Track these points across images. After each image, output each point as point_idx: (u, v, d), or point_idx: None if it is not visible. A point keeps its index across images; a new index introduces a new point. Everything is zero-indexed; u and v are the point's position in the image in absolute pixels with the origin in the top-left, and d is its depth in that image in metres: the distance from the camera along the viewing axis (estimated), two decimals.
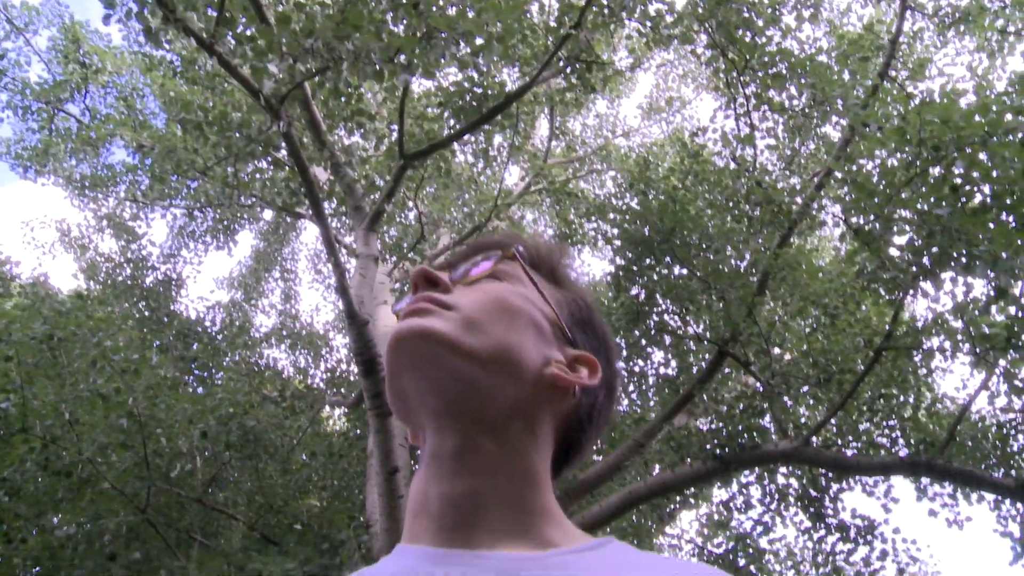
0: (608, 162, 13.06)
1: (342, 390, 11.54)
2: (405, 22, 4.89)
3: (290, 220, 13.24)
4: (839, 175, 7.76)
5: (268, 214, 13.36)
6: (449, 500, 0.95)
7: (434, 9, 4.72)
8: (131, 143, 10.74)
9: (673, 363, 10.08)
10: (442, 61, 5.10)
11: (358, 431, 11.12)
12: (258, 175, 9.39)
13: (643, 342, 9.98)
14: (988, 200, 5.45)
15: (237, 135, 7.06)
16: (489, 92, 8.12)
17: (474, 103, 8.12)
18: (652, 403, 10.59)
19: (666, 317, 9.65)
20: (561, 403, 1.04)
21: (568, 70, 9.01)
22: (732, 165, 9.35)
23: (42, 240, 13.53)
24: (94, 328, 7.32)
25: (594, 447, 1.17)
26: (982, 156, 5.36)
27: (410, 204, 10.54)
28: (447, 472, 0.96)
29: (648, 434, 8.86)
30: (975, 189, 5.51)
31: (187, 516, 8.19)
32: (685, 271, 9.12)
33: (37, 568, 7.14)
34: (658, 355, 10.21)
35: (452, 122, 8.58)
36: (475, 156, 9.92)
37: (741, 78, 9.03)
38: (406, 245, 11.85)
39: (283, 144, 8.00)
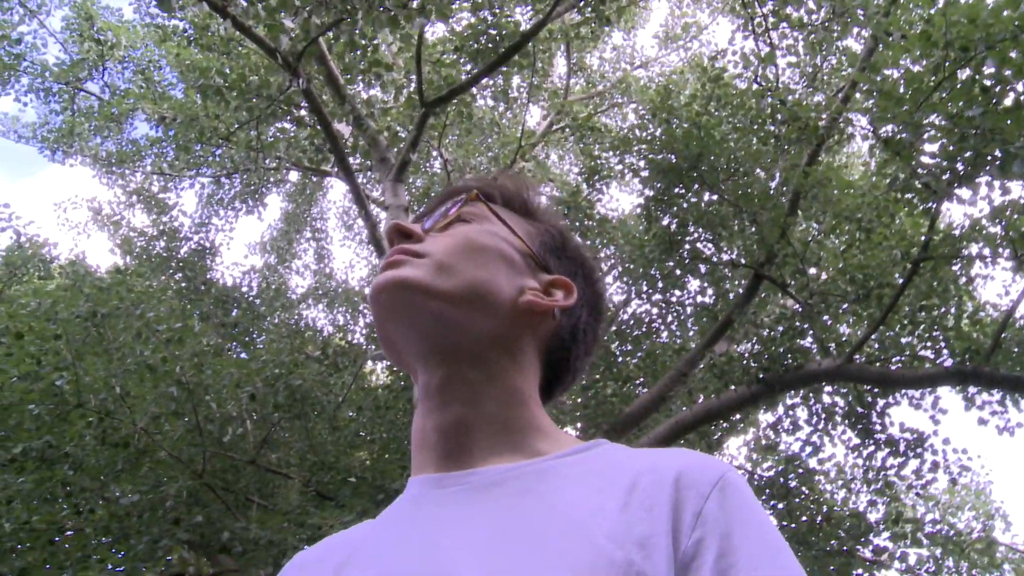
0: (628, 95, 12.92)
1: None
2: None
3: (316, 179, 13.25)
4: (865, 86, 7.63)
5: (294, 175, 13.39)
6: (442, 429, 1.03)
7: None
8: (153, 116, 10.76)
9: (710, 291, 10.04)
10: (454, 5, 5.07)
11: (402, 383, 11.23)
12: (281, 136, 9.39)
13: (678, 272, 9.95)
14: (1022, 98, 5.35)
15: (256, 98, 7.05)
16: (503, 32, 8.06)
17: (489, 44, 8.07)
18: (692, 332, 10.59)
19: (699, 245, 9.61)
20: (540, 327, 1.10)
21: (582, 3, 8.91)
22: (755, 86, 9.22)
23: (76, 220, 13.64)
24: (136, 301, 7.42)
25: (588, 367, 1.21)
26: (1013, 54, 5.25)
27: (434, 153, 10.51)
28: (437, 404, 1.03)
29: (690, 363, 8.88)
30: (1007, 88, 5.41)
31: (243, 478, 8.33)
32: (715, 197, 9.07)
33: (107, 537, 7.32)
34: (694, 284, 10.17)
35: (469, 66, 8.53)
36: (495, 99, 9.85)
37: None
38: (433, 194, 11.84)
39: (304, 102, 8.00)
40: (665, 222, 9.44)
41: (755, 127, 9.01)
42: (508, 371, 1.06)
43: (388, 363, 11.24)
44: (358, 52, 7.24)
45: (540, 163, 11.58)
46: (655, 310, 10.57)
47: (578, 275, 1.17)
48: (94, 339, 7.77)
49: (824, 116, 8.43)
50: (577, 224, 9.81)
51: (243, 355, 10.31)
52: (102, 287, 8.15)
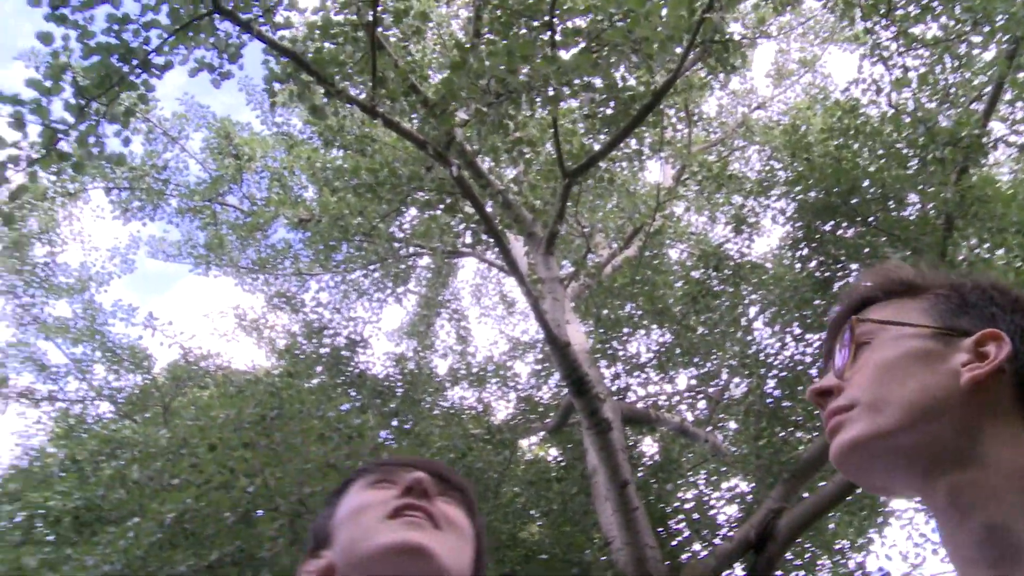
0: (750, 138, 12.82)
1: (539, 413, 11.63)
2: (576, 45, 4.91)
3: (453, 261, 13.45)
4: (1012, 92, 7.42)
5: (424, 260, 13.62)
6: (976, 543, 0.95)
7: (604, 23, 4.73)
8: (292, 220, 11.12)
9: None
10: (615, 73, 5.11)
11: (560, 455, 11.21)
12: (433, 224, 9.59)
13: (831, 305, 9.73)
14: None
15: (410, 190, 7.21)
16: (634, 94, 8.09)
17: (618, 108, 8.11)
18: None
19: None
20: (996, 388, 1.01)
21: (704, 54, 8.91)
22: (888, 111, 9.05)
23: (223, 328, 14.11)
24: (312, 403, 7.58)
25: None
26: None
27: (571, 220, 10.57)
28: (956, 521, 0.97)
29: None
30: None
31: None
32: (864, 229, 8.88)
33: None
34: None
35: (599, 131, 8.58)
36: (629, 159, 9.87)
37: (882, 21, 8.75)
38: (567, 261, 11.91)
39: (450, 188, 8.15)
40: (813, 263, 9.29)
41: (895, 152, 8.83)
42: (997, 450, 0.98)
43: (545, 436, 11.23)
44: (500, 132, 7.36)
45: (668, 218, 11.54)
46: (809, 350, 10.34)
47: (997, 315, 1.08)
48: (269, 443, 7.95)
49: (967, 131, 8.21)
50: (726, 276, 9.75)
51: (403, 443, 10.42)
52: (272, 392, 8.36)
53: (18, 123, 5.17)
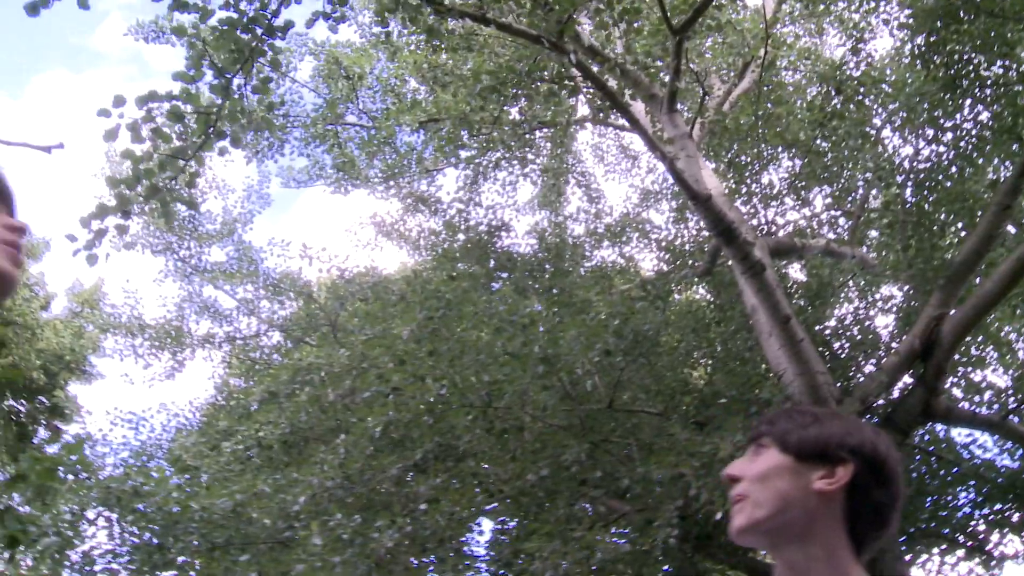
0: None
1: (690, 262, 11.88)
2: None
3: (573, 130, 13.56)
4: None
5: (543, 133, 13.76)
6: None
7: None
8: (413, 123, 11.46)
9: (1006, 114, 9.56)
10: None
11: (714, 299, 11.47)
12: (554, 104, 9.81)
13: (962, 102, 9.58)
14: None
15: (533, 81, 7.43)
16: None
17: None
18: (995, 159, 10.14)
19: (982, 71, 9.22)
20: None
21: None
22: None
23: (366, 239, 14.64)
24: (482, 301, 8.04)
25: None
26: None
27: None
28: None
29: (1011, 192, 8.56)
30: None
31: (617, 428, 8.84)
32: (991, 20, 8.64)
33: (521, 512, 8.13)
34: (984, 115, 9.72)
35: None
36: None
37: None
38: (685, 106, 11.91)
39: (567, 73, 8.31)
40: (937, 60, 9.13)
41: None
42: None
43: (703, 282, 11.52)
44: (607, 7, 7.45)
45: (779, 45, 11.37)
46: (945, 150, 10.21)
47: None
48: (448, 344, 8.50)
49: None
50: (848, 94, 9.68)
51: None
52: (437, 296, 8.89)
53: (176, 116, 5.59)
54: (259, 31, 5.99)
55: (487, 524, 9.74)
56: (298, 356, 10.30)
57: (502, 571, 9.41)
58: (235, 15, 5.99)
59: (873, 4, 9.46)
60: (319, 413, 9.04)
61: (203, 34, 5.84)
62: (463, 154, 12.12)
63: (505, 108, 9.44)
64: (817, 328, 10.27)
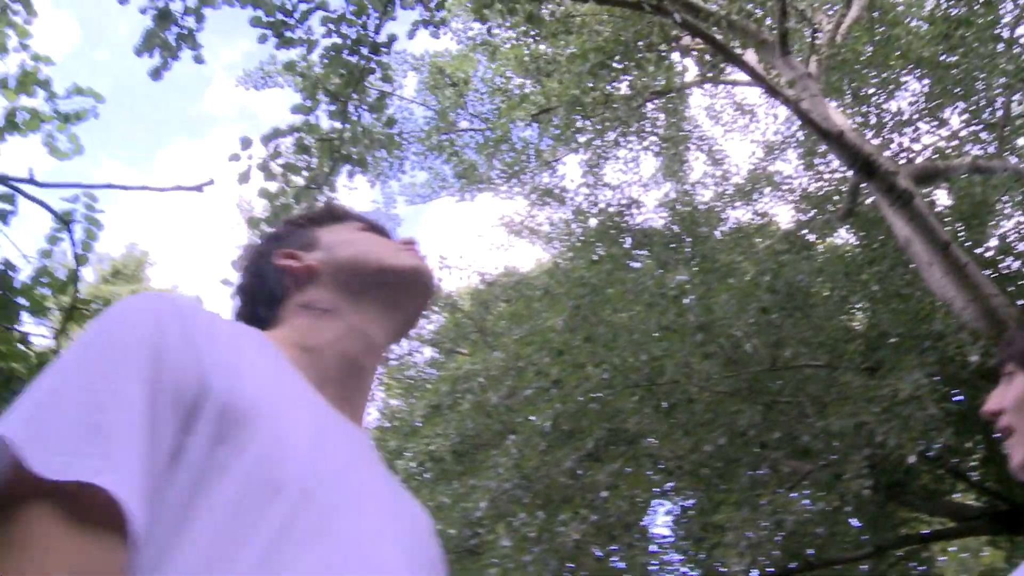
0: None
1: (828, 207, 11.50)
2: None
3: (685, 93, 13.34)
4: None
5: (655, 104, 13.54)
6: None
7: None
8: (525, 118, 11.45)
9: None
10: None
11: (860, 239, 11.05)
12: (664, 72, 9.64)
13: None
14: None
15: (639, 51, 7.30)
16: None
17: None
18: None
19: None
20: None
21: None
22: None
23: (499, 241, 14.71)
24: (632, 279, 7.95)
25: None
26: None
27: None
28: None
29: None
30: None
31: (785, 386, 8.60)
32: None
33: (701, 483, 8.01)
34: None
35: None
36: None
37: None
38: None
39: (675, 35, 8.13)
40: None
41: None
42: None
43: (847, 225, 11.11)
44: None
45: None
46: None
47: None
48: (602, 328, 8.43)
49: None
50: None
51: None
52: (583, 282, 8.83)
53: (301, 147, 5.69)
54: (365, 51, 6.05)
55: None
56: (454, 366, 10.40)
57: (691, 549, 9.29)
58: (339, 40, 6.07)
59: None
60: (484, 418, 9.10)
61: (312, 64, 5.93)
62: (580, 139, 12.00)
63: (615, 84, 9.29)
64: (977, 251, 9.76)
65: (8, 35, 6.07)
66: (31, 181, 3.85)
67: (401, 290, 1.28)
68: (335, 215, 1.42)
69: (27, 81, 5.53)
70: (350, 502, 0.95)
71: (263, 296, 1.29)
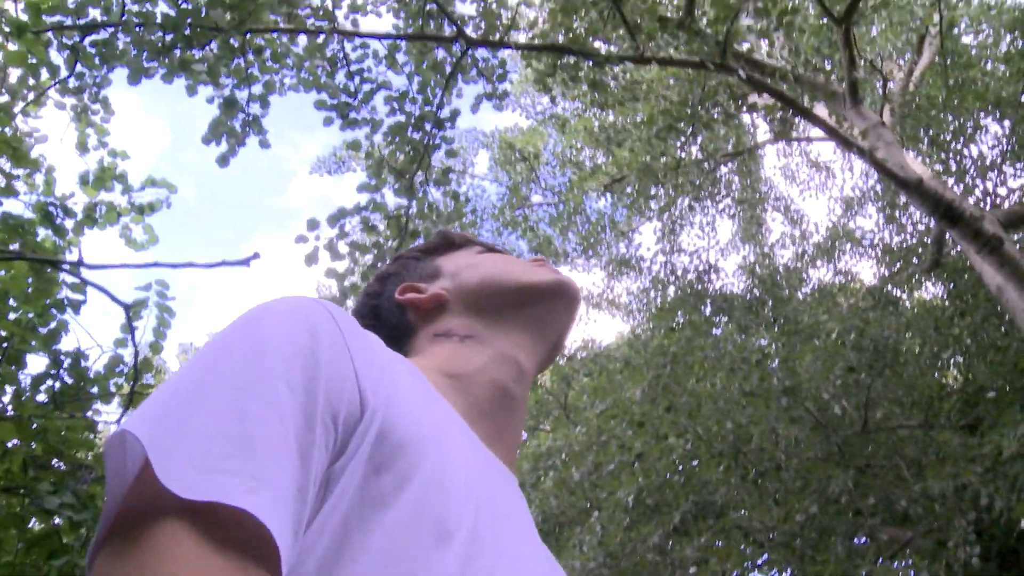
0: None
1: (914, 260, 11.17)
2: None
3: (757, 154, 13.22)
4: None
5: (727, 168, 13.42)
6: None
7: None
8: (598, 189, 11.43)
9: None
10: None
11: (947, 291, 10.69)
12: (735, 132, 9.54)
13: None
14: None
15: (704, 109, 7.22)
16: None
17: None
18: None
19: None
20: None
21: None
22: None
23: (578, 315, 14.60)
24: (708, 346, 7.77)
25: None
26: None
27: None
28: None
29: None
30: None
31: (878, 449, 8.26)
32: None
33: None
34: None
35: None
36: None
37: None
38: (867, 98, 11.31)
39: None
40: None
41: None
42: None
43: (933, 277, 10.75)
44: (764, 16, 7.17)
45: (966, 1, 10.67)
46: None
47: None
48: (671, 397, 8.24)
49: None
50: None
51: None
52: (663, 352, 8.67)
53: (368, 226, 5.70)
54: (428, 127, 6.09)
55: None
56: (536, 443, 10.24)
57: None
58: (403, 118, 6.11)
59: None
60: (567, 495, 8.92)
61: (377, 142, 5.98)
62: (654, 206, 11.92)
63: (686, 148, 9.20)
64: None
65: (88, 134, 6.28)
66: (80, 263, 3.87)
67: (544, 307, 1.18)
68: (452, 242, 1.33)
69: (105, 176, 5.65)
70: (512, 556, 0.83)
71: (384, 336, 1.11)
